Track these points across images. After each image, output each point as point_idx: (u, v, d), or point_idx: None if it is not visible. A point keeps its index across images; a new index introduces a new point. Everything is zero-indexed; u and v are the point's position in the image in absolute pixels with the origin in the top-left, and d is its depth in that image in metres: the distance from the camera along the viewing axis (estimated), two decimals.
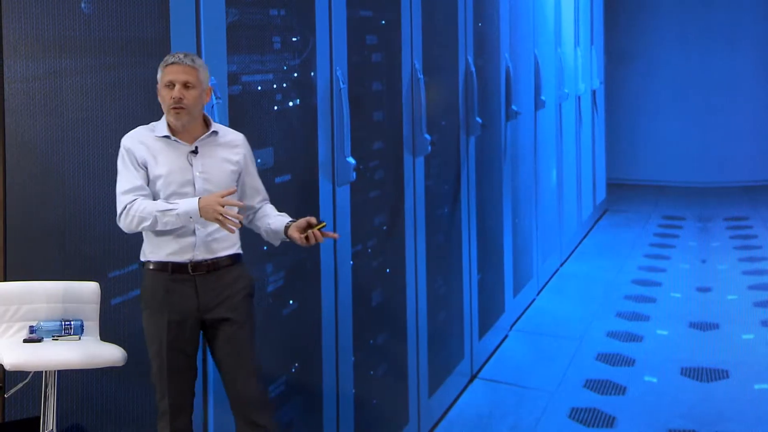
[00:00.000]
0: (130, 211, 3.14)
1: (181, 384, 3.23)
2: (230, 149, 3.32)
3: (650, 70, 13.84)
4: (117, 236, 3.21)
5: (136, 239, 3.31)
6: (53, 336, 3.07)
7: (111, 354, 3.08)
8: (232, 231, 3.13)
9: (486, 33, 6.61)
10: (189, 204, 3.13)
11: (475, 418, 5.63)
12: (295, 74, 4.13)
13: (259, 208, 3.46)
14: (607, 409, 5.69)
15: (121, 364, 3.10)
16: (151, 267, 3.25)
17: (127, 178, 3.18)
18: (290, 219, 3.38)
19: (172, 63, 3.17)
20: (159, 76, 3.22)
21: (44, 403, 3.00)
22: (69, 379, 3.14)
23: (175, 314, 3.21)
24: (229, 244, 3.29)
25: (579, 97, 10.06)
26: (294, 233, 3.31)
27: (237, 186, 3.34)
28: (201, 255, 3.23)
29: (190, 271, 3.23)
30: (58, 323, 3.08)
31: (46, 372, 2.99)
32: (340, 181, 4.32)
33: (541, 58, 8.11)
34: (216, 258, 3.26)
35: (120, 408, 3.32)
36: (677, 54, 13.70)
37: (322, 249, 4.22)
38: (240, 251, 3.35)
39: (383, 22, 4.89)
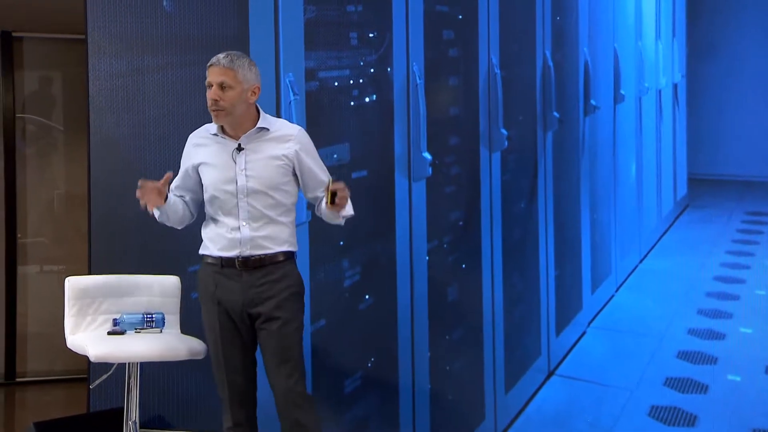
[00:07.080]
0: None
1: (237, 375, 3.22)
2: (280, 144, 3.26)
3: (734, 62, 13.50)
4: (196, 232, 3.26)
5: None
6: (136, 329, 3.14)
7: (191, 347, 3.13)
8: (147, 208, 3.14)
9: (564, 27, 6.53)
10: None
11: (552, 415, 5.58)
12: (372, 70, 4.13)
13: (322, 198, 3.37)
14: (689, 407, 5.58)
15: (201, 356, 3.15)
16: (207, 261, 3.26)
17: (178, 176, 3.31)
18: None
19: (210, 65, 3.18)
20: None
21: (127, 394, 3.07)
22: (151, 371, 3.20)
23: (224, 307, 3.22)
24: (279, 242, 3.25)
25: (660, 91, 9.88)
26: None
27: (295, 179, 3.29)
28: (248, 251, 3.22)
29: (237, 266, 3.23)
30: (141, 316, 3.15)
31: (129, 364, 3.06)
32: (416, 177, 4.32)
33: (621, 51, 7.99)
34: (264, 254, 3.24)
35: (200, 400, 3.38)
36: (762, 46, 13.35)
37: (398, 244, 4.23)
38: (292, 249, 3.31)
39: (460, 16, 4.87)
